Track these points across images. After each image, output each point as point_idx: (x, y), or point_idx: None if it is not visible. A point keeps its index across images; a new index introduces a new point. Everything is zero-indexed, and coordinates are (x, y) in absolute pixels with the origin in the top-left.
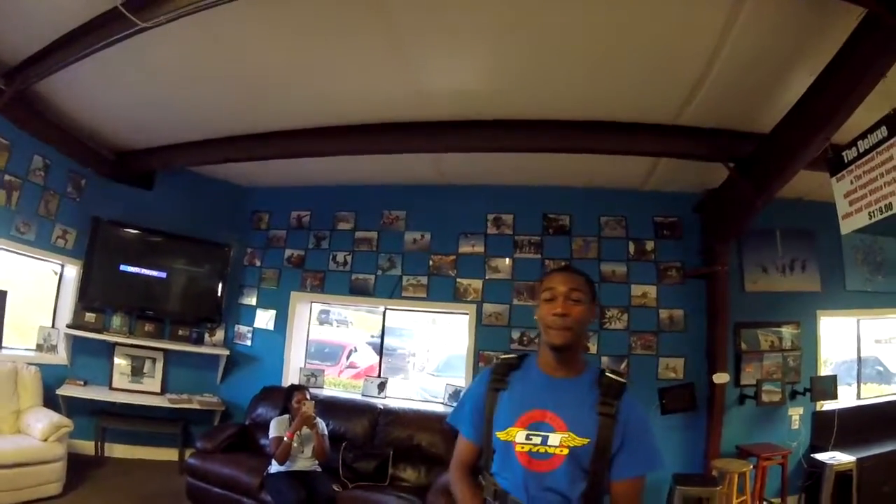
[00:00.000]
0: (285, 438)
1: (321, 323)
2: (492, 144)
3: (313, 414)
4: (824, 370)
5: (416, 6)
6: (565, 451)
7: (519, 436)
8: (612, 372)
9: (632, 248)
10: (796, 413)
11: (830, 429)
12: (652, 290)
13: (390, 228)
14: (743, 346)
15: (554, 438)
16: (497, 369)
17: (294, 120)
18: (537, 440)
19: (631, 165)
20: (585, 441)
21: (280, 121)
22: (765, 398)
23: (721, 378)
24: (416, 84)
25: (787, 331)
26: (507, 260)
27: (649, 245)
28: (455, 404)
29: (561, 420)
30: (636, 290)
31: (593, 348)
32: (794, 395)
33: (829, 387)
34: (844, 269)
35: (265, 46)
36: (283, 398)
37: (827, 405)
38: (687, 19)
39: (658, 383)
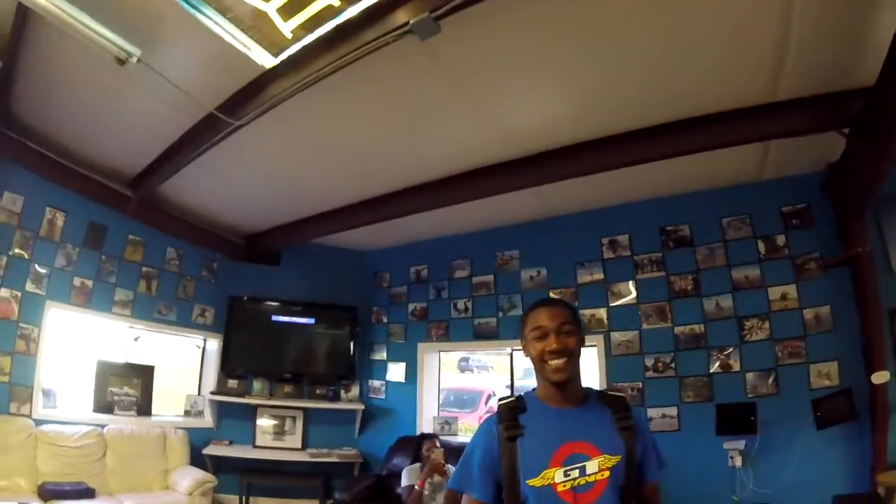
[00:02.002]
0: (416, 487)
1: (462, 370)
2: (587, 167)
3: (443, 461)
4: None
5: (477, 65)
6: (606, 474)
7: (558, 475)
8: (611, 390)
9: (762, 246)
10: None
11: None
12: (791, 290)
13: (505, 269)
14: None
15: (591, 465)
16: (504, 417)
17: (398, 182)
18: (575, 473)
19: (743, 155)
20: (618, 458)
21: (385, 185)
22: None
23: (881, 377)
24: (500, 128)
25: None
26: (630, 283)
27: (780, 240)
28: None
29: (592, 445)
30: (773, 292)
31: (735, 365)
32: None
33: None
34: None
35: (355, 122)
36: (415, 447)
37: None
38: None
39: (811, 394)
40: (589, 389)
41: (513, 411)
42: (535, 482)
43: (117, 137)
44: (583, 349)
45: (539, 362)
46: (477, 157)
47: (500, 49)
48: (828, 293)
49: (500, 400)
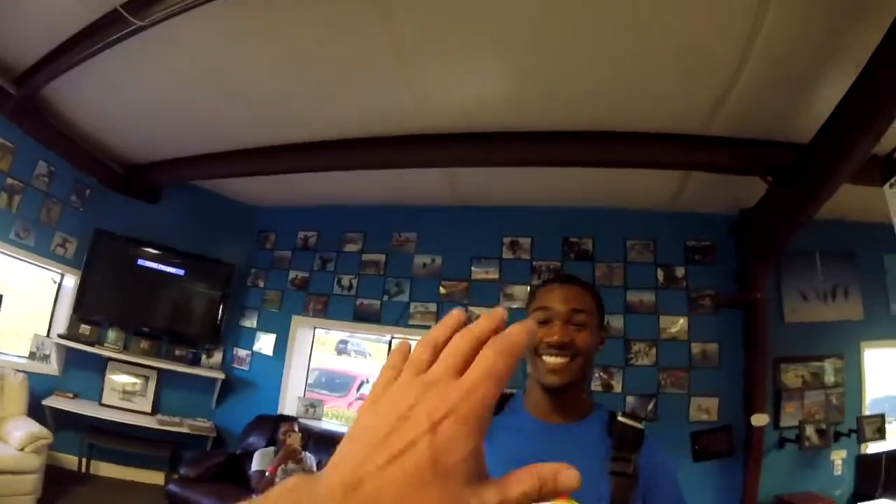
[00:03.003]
0: (267, 473)
1: (339, 353)
2: (507, 158)
3: (300, 447)
4: (867, 407)
5: (421, 16)
6: None
7: None
8: (627, 415)
9: (661, 274)
10: (839, 457)
11: (877, 473)
12: (683, 322)
13: (399, 251)
14: (783, 383)
15: None
16: None
17: (301, 133)
18: None
19: (660, 182)
20: None
21: (286, 134)
22: (808, 441)
23: (760, 420)
24: (424, 96)
25: (829, 365)
26: (526, 287)
27: (680, 271)
28: None
29: None
30: (665, 321)
31: (617, 386)
32: (837, 436)
33: (877, 427)
34: (888, 294)
35: (270, 57)
36: (271, 429)
37: (871, 447)
38: (714, 15)
39: (689, 426)
40: (596, 405)
41: None
42: None
43: (11, 23)
44: (595, 351)
45: (532, 355)
46: (395, 124)
47: (452, 13)
48: (717, 331)
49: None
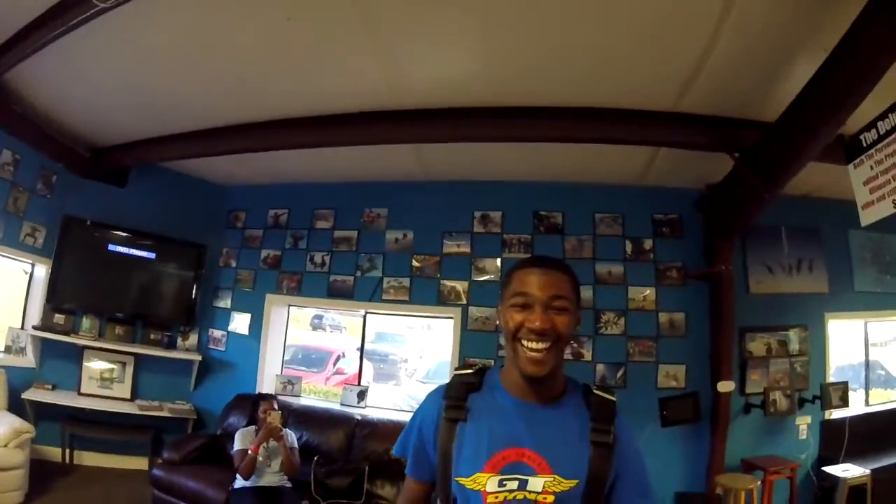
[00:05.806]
0: (249, 451)
1: (314, 328)
2: (478, 133)
3: (280, 425)
4: (831, 376)
5: None
6: (550, 499)
7: (490, 483)
8: (600, 388)
9: (629, 247)
10: (804, 422)
11: (841, 439)
12: (651, 293)
13: (371, 227)
14: (748, 351)
15: (535, 483)
16: (451, 391)
17: (270, 111)
18: (514, 485)
19: (628, 158)
20: (574, 483)
21: (255, 112)
22: (773, 407)
23: (726, 386)
24: (395, 72)
25: (794, 334)
26: (497, 260)
27: (647, 244)
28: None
29: (543, 459)
30: (634, 292)
31: (587, 355)
32: (802, 402)
33: (840, 394)
34: (853, 269)
35: (235, 34)
36: (251, 407)
37: (835, 413)
38: None
39: (658, 392)
40: (570, 382)
41: (463, 388)
42: (467, 483)
43: None
44: (574, 334)
45: (512, 341)
46: (365, 101)
47: None
48: (684, 302)
49: (457, 369)
